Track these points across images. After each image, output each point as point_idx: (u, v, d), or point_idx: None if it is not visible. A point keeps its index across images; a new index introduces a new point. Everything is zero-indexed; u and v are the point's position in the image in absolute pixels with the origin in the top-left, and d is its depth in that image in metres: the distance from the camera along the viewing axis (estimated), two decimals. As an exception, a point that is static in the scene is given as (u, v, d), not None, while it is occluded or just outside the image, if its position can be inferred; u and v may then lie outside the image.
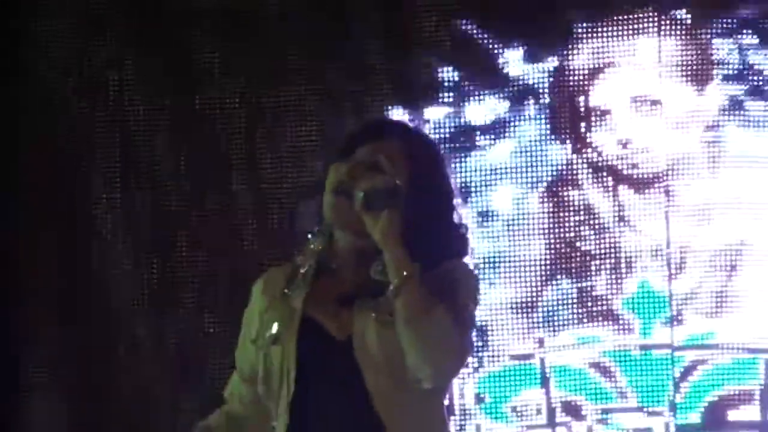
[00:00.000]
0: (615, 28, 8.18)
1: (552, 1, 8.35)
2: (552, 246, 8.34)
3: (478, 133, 8.40)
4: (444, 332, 4.15)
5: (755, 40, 8.17)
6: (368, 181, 4.23)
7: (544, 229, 8.24)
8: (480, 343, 8.06)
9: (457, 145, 8.39)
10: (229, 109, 8.52)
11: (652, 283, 8.22)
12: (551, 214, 8.33)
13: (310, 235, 4.60)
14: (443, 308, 4.14)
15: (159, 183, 8.68)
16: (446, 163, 4.88)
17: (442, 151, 5.14)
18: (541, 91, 8.43)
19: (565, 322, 8.27)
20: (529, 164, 8.42)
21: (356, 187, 4.23)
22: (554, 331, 8.27)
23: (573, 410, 8.18)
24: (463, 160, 8.55)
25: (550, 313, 8.26)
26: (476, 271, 6.28)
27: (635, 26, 8.19)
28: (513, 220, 8.31)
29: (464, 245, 4.52)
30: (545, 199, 8.42)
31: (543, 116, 8.49)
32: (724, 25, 8.27)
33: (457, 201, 4.66)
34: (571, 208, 8.28)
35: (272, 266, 4.99)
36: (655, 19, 8.16)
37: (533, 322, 8.32)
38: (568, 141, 8.42)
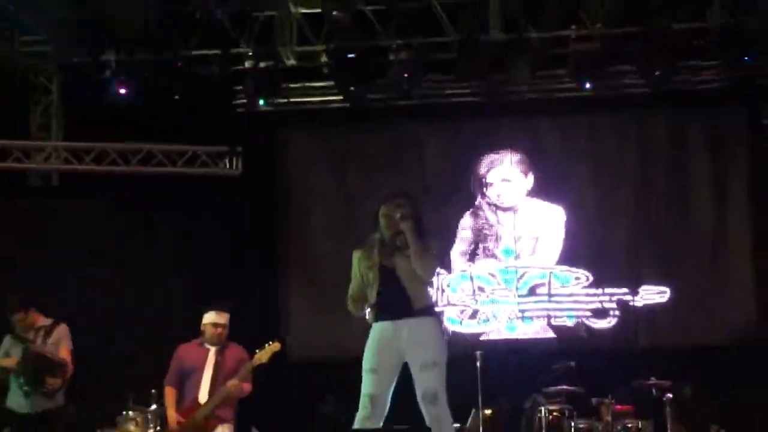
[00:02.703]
0: (500, 153, 15.40)
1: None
2: (476, 234, 15.42)
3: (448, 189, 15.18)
4: (428, 261, 7.86)
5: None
6: (401, 209, 7.83)
7: (471, 227, 15.42)
8: (445, 267, 14.50)
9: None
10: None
11: (509, 246, 15.30)
12: (473, 221, 15.47)
13: (376, 233, 8.12)
14: (428, 252, 7.85)
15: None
16: (419, 205, 8.28)
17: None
18: (465, 175, 15.43)
19: (479, 258, 15.35)
20: (464, 199, 15.35)
21: (395, 212, 7.85)
22: (474, 261, 15.28)
23: (481, 290, 15.09)
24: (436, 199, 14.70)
25: (474, 255, 15.30)
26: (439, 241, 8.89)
27: (505, 154, 15.39)
28: (456, 228, 15.33)
29: (428, 232, 8.00)
30: (471, 214, 15.48)
31: (470, 182, 15.45)
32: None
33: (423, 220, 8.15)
34: (480, 218, 15.43)
35: (360, 246, 8.26)
36: (510, 151, 15.30)
37: (466, 260, 15.27)
38: (479, 190, 15.47)
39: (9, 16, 14.03)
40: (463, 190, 15.70)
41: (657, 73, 14.26)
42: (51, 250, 14.22)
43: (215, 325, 9.61)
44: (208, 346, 9.61)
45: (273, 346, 9.64)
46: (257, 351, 9.61)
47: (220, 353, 9.58)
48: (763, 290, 14.50)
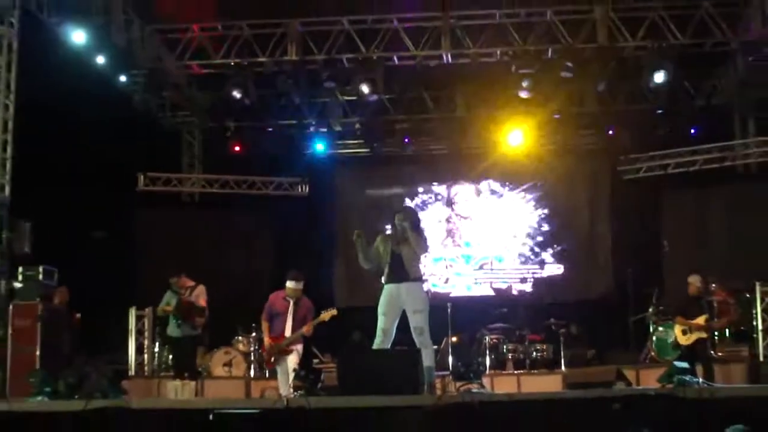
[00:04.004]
0: (463, 184, 15.13)
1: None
2: (448, 233, 15.30)
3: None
4: (421, 243, 7.69)
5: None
6: (401, 219, 7.68)
7: (446, 228, 15.25)
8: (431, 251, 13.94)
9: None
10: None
11: (469, 240, 15.17)
12: (448, 224, 15.33)
13: (391, 229, 7.92)
14: (421, 239, 7.68)
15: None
16: (416, 213, 8.18)
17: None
18: (442, 196, 15.31)
19: (449, 247, 15.19)
20: (441, 211, 15.15)
21: (402, 218, 7.67)
22: (446, 248, 15.18)
23: (450, 266, 15.16)
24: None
25: (446, 245, 15.14)
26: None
27: (465, 184, 15.21)
28: (436, 228, 15.11)
29: (423, 231, 7.90)
30: (445, 220, 15.41)
31: (445, 200, 15.33)
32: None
33: (421, 221, 7.93)
34: (450, 222, 15.37)
35: (382, 235, 7.94)
36: (468, 182, 15.10)
37: (442, 248, 15.13)
38: (450, 206, 15.31)
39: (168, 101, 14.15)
40: (441, 206, 15.76)
41: (557, 140, 14.78)
42: (194, 242, 14.32)
43: (297, 289, 9.37)
44: (289, 299, 9.39)
45: (332, 312, 9.21)
46: (323, 311, 9.22)
47: (296, 304, 9.34)
48: (616, 269, 14.36)
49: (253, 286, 13.33)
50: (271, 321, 9.33)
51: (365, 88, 12.41)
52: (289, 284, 9.26)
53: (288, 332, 9.19)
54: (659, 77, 11.96)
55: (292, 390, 8.60)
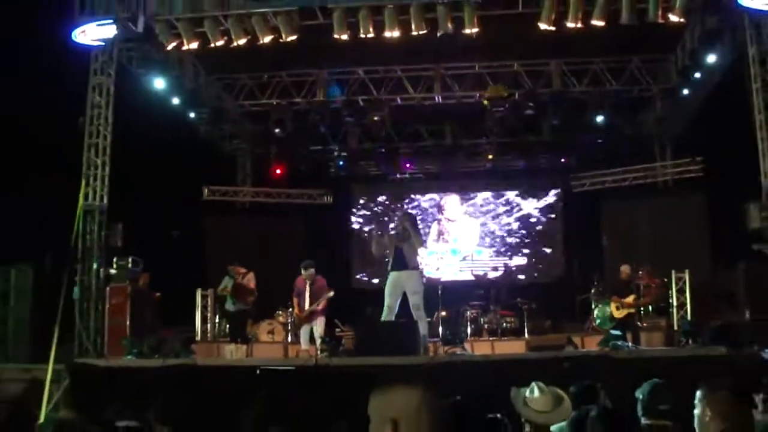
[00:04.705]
0: (450, 195, 14.71)
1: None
2: (439, 232, 14.74)
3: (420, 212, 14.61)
4: (420, 240, 7.78)
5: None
6: (403, 222, 8.25)
7: (437, 229, 14.72)
8: (425, 247, 13.37)
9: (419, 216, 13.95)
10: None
11: (455, 238, 14.67)
12: (439, 226, 14.77)
13: (392, 231, 8.17)
14: (419, 237, 7.75)
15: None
16: (415, 217, 8.32)
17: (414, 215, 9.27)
18: (435, 205, 14.84)
19: (440, 243, 14.72)
20: (434, 216, 14.80)
21: (404, 221, 8.26)
22: (438, 244, 14.74)
23: (441, 258, 14.54)
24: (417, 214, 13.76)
25: (438, 242, 14.66)
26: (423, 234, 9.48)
27: (451, 195, 14.74)
28: (430, 229, 14.62)
29: (420, 231, 8.01)
30: (437, 223, 14.82)
31: (437, 208, 14.90)
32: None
33: (418, 223, 8.59)
34: (441, 225, 14.79)
35: (389, 234, 8.06)
36: (454, 193, 14.66)
37: (434, 244, 14.63)
38: (440, 212, 14.84)
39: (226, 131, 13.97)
40: (434, 212, 15.35)
41: (522, 162, 14.36)
42: (246, 239, 13.95)
43: (309, 274, 9.43)
44: (306, 280, 9.45)
45: (329, 293, 9.27)
46: (328, 292, 9.21)
47: (312, 284, 9.43)
48: (567, 260, 14.14)
49: (289, 273, 13.02)
50: (298, 298, 9.41)
51: (375, 121, 12.38)
52: (303, 271, 9.35)
53: (306, 306, 9.36)
54: (599, 115, 12.04)
55: (319, 352, 8.48)
